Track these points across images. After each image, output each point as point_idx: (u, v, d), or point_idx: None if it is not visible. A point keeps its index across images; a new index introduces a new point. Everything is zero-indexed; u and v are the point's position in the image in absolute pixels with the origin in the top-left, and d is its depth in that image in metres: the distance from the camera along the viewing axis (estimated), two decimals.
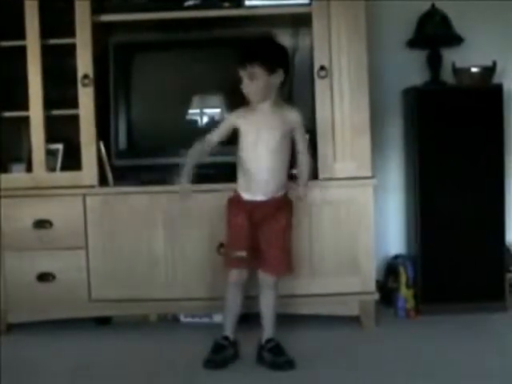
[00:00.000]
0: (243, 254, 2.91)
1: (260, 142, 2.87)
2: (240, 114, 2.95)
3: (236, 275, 2.95)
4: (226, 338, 2.98)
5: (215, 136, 2.96)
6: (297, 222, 3.30)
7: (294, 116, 2.91)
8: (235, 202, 2.97)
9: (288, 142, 2.92)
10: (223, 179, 3.21)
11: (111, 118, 3.45)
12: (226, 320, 3.02)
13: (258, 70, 2.82)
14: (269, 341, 2.95)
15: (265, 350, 2.94)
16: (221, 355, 2.93)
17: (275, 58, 2.89)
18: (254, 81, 2.83)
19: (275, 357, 2.90)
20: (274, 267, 2.93)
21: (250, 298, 3.08)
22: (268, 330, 2.97)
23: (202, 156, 2.97)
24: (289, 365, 2.88)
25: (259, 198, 2.90)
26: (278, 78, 2.87)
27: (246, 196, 2.93)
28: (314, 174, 3.38)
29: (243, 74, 2.84)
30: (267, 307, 2.97)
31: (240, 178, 2.95)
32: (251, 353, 3.00)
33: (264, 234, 2.91)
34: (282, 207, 2.94)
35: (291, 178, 3.10)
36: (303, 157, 2.97)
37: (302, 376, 2.82)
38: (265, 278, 2.94)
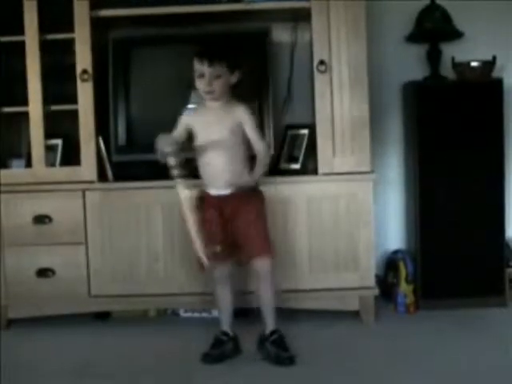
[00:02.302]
0: (217, 248, 2.90)
1: (211, 140, 2.90)
2: (192, 114, 2.98)
3: (218, 270, 2.96)
4: (225, 333, 2.99)
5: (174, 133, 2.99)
6: (296, 217, 3.32)
7: (240, 111, 2.92)
8: (203, 199, 2.98)
9: (241, 138, 2.92)
10: None
11: (110, 114, 3.45)
12: (221, 316, 3.05)
13: (224, 69, 2.86)
14: (273, 333, 2.94)
15: (268, 342, 2.93)
16: (218, 350, 2.95)
17: (237, 58, 2.93)
18: (218, 79, 2.86)
19: (278, 351, 2.90)
20: (256, 250, 2.90)
21: (249, 293, 3.08)
22: (269, 322, 2.96)
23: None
24: (290, 361, 2.88)
25: (223, 191, 2.92)
26: (236, 77, 2.92)
27: (212, 191, 2.95)
28: (314, 169, 3.39)
29: (206, 71, 2.85)
30: (265, 299, 2.96)
31: (202, 175, 2.97)
32: (250, 348, 3.00)
33: (238, 227, 2.91)
34: (250, 199, 2.93)
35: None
36: (257, 145, 2.93)
37: (301, 371, 2.82)
38: (256, 266, 2.92)
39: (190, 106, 3.02)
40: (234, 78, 2.91)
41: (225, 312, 3.02)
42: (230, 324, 3.02)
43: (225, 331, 3.00)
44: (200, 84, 2.89)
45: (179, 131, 2.98)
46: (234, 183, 2.89)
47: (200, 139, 2.94)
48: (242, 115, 2.91)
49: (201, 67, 2.86)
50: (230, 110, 2.92)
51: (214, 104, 2.93)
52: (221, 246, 2.90)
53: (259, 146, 2.92)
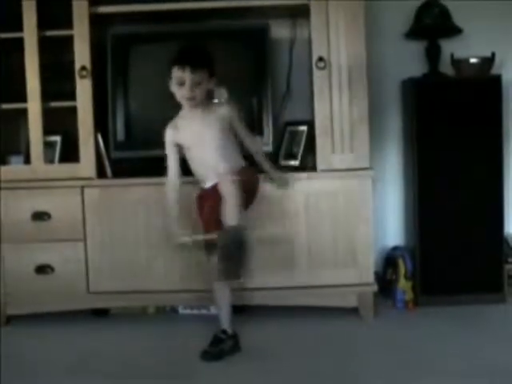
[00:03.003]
0: (213, 236, 2.90)
1: (204, 144, 2.93)
2: (174, 130, 3.00)
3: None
4: (224, 332, 3.00)
5: (173, 169, 3.03)
6: (295, 213, 3.32)
7: (225, 110, 2.97)
8: (201, 196, 3.04)
9: (229, 133, 2.99)
10: None
11: (109, 110, 3.44)
12: (220, 314, 3.05)
13: (204, 76, 2.88)
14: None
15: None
16: (217, 348, 2.95)
17: (213, 64, 2.96)
18: (199, 86, 2.88)
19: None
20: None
21: (247, 290, 3.08)
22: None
23: (178, 191, 3.04)
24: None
25: (217, 178, 2.95)
26: (213, 83, 2.95)
27: (208, 184, 2.99)
28: (313, 166, 3.39)
29: (188, 78, 2.86)
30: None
31: (197, 173, 3.03)
32: (248, 344, 3.00)
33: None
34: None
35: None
36: (247, 140, 3.05)
37: (300, 367, 2.82)
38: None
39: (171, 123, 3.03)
40: (211, 84, 2.94)
41: (224, 310, 3.02)
42: (229, 322, 3.02)
43: (224, 329, 3.00)
44: (181, 91, 2.90)
45: (174, 157, 3.02)
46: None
47: (193, 150, 2.97)
48: (228, 113, 2.97)
49: (182, 74, 2.87)
50: (213, 112, 2.96)
51: (195, 112, 2.95)
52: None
53: (250, 140, 3.05)
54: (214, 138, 2.94)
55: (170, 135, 3.02)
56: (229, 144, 2.99)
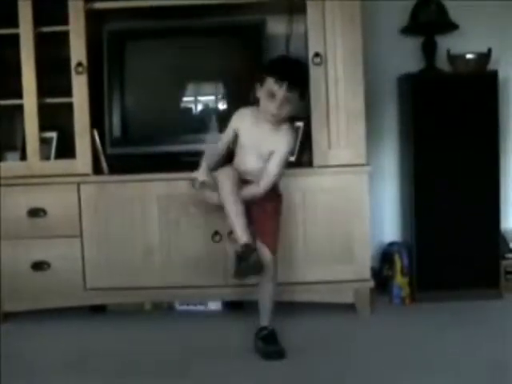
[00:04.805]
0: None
1: (253, 152, 2.89)
2: (241, 120, 2.94)
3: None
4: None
5: (221, 146, 3.00)
6: (292, 210, 3.31)
7: (283, 143, 2.85)
8: None
9: None
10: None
11: (105, 106, 3.44)
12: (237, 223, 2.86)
13: (296, 96, 2.80)
14: (262, 329, 2.96)
15: (257, 338, 2.95)
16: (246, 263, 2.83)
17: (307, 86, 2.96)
18: (288, 105, 2.79)
19: (266, 345, 2.91)
20: (261, 237, 2.91)
21: (247, 286, 3.07)
22: (263, 317, 2.98)
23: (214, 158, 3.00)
24: (278, 355, 2.87)
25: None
26: (299, 104, 2.89)
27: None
28: (309, 162, 3.39)
29: (281, 94, 2.75)
30: (263, 295, 2.98)
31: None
32: (246, 341, 3.00)
33: (254, 216, 2.92)
34: (268, 199, 2.92)
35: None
36: (264, 174, 2.88)
37: (297, 363, 2.82)
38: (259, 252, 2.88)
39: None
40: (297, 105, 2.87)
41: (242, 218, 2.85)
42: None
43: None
44: (269, 105, 2.78)
45: (226, 140, 2.98)
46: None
47: (244, 147, 2.92)
48: (281, 148, 2.85)
49: (277, 88, 2.75)
50: (277, 135, 2.86)
51: (268, 124, 2.87)
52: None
53: (266, 178, 2.87)
54: (264, 153, 2.86)
55: (236, 121, 2.94)
56: None
